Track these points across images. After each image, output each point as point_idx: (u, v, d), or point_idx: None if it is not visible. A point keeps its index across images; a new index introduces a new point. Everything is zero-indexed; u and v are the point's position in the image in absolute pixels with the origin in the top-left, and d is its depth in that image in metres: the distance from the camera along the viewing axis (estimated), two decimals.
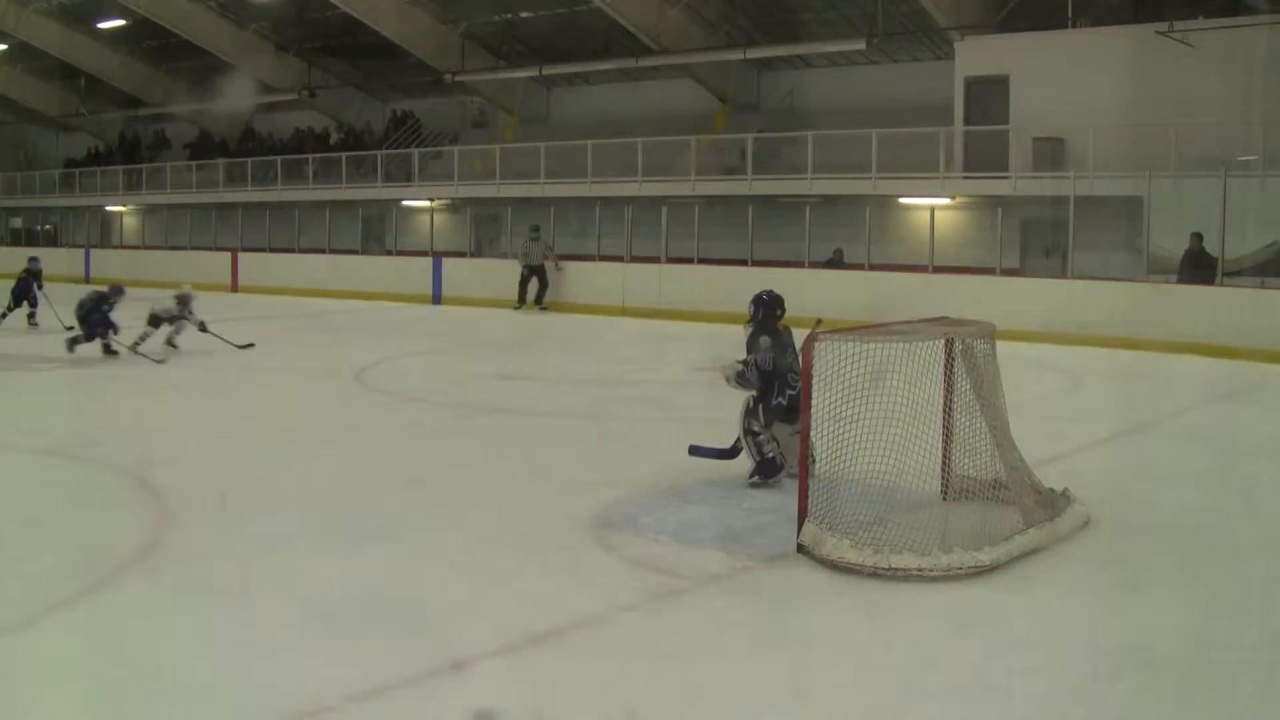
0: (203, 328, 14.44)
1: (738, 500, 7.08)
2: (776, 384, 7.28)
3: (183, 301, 14.55)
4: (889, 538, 5.87)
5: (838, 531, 5.87)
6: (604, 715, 4.24)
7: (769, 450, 7.29)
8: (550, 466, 8.38)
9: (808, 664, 4.70)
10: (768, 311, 7.54)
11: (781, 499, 6.89)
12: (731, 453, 7.47)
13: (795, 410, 6.78)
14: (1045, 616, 5.30)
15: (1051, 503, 6.57)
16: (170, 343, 14.51)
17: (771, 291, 7.67)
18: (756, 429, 7.29)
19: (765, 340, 7.34)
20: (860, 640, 4.98)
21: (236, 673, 4.50)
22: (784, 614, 5.28)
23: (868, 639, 4.99)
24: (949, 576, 5.55)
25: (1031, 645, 4.91)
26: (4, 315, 17.31)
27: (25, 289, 17.44)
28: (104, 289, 14.22)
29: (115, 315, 13.82)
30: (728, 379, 7.41)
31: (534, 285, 22.01)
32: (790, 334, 7.47)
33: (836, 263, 20.64)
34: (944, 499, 6.77)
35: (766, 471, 7.33)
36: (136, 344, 13.75)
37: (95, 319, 13.76)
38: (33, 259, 18.07)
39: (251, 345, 14.65)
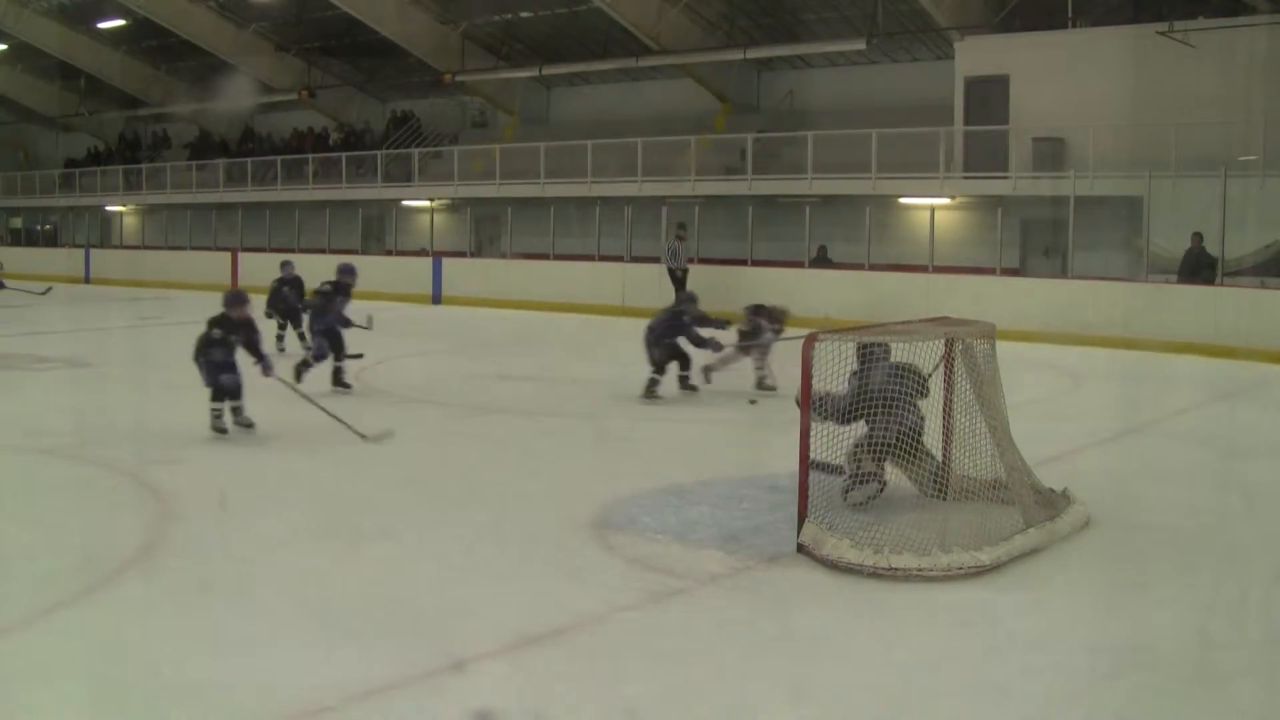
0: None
1: (738, 500, 7.08)
2: (880, 416, 6.70)
3: (759, 315, 10.89)
4: (889, 538, 5.88)
5: (838, 531, 5.88)
6: (603, 715, 4.24)
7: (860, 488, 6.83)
8: (550, 466, 8.38)
9: (808, 664, 4.69)
10: (866, 352, 7.05)
11: (781, 499, 6.88)
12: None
13: (905, 446, 6.60)
14: (1045, 616, 5.30)
15: (1051, 503, 6.57)
16: (762, 376, 10.99)
17: None
18: (859, 455, 6.78)
19: (853, 379, 6.82)
20: (860, 640, 4.98)
21: (236, 673, 4.50)
22: (784, 614, 5.27)
23: (868, 639, 4.99)
24: (949, 576, 5.55)
25: (1031, 645, 4.91)
26: (280, 336, 14.28)
27: (284, 303, 14.41)
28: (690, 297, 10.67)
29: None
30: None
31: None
32: (896, 370, 6.82)
33: (823, 260, 20.60)
34: (944, 499, 6.77)
35: (857, 495, 6.81)
36: (762, 378, 10.83)
37: (661, 336, 10.56)
38: (286, 263, 15.04)
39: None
